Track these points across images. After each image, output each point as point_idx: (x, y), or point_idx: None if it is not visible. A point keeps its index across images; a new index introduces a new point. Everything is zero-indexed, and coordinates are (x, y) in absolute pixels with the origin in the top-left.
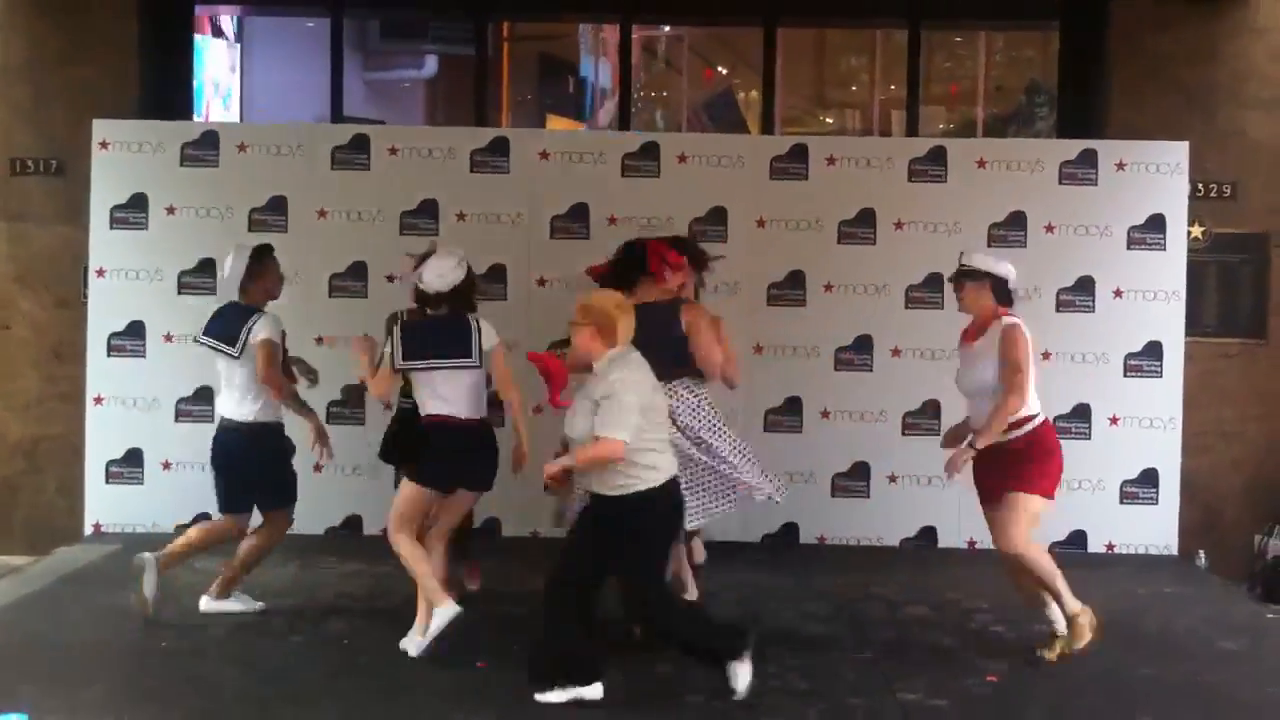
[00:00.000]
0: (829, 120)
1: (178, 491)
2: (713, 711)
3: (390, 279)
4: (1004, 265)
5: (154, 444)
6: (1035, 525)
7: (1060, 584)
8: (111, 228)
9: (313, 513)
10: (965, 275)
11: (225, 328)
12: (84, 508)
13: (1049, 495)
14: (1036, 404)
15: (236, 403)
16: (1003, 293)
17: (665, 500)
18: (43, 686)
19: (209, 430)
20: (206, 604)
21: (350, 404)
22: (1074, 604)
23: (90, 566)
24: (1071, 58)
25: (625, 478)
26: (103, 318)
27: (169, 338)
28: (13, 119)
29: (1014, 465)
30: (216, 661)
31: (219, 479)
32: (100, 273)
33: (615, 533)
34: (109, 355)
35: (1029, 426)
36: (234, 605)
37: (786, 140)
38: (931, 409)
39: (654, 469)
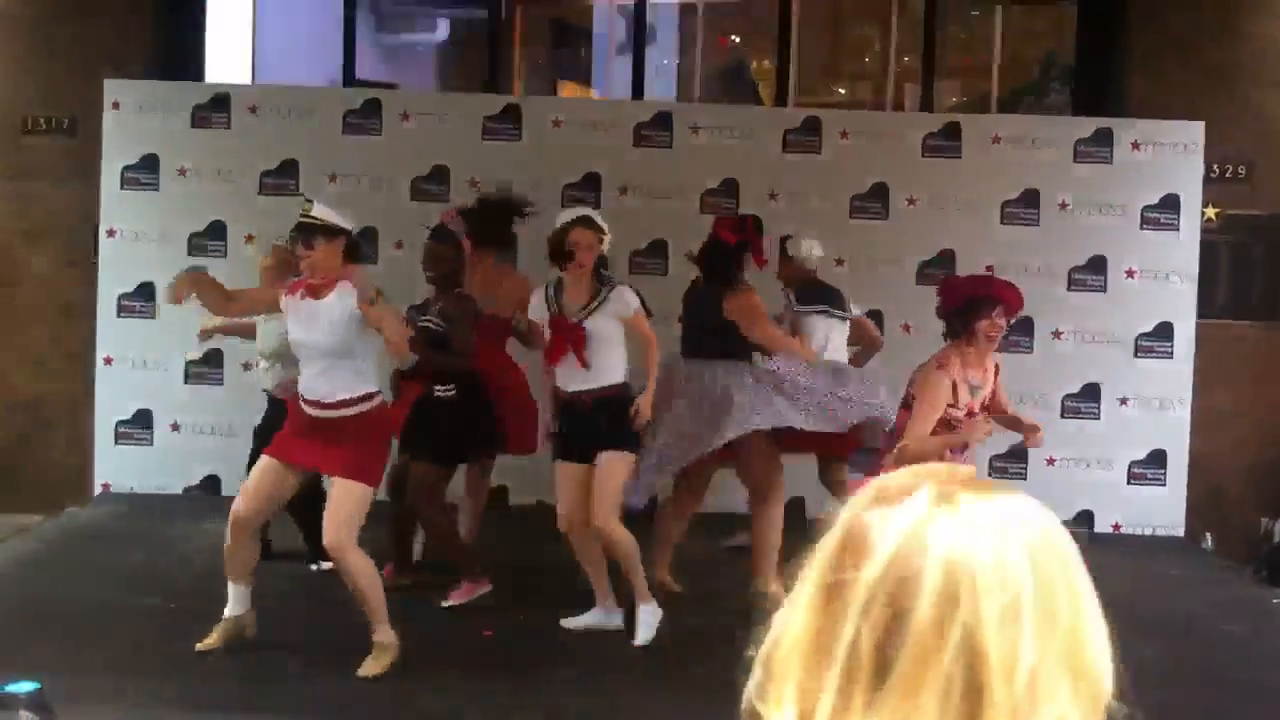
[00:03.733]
0: (841, 91)
1: (186, 453)
2: (720, 685)
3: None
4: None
5: (163, 405)
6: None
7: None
8: (122, 188)
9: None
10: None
11: None
12: (93, 467)
13: None
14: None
15: None
16: None
17: None
18: (52, 647)
19: (218, 392)
20: None
21: None
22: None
23: (98, 527)
24: (1089, 33)
25: None
26: (113, 278)
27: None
28: (24, 77)
29: None
30: None
31: None
32: (111, 233)
33: None
34: (119, 315)
35: None
36: None
37: (800, 113)
38: None
39: None
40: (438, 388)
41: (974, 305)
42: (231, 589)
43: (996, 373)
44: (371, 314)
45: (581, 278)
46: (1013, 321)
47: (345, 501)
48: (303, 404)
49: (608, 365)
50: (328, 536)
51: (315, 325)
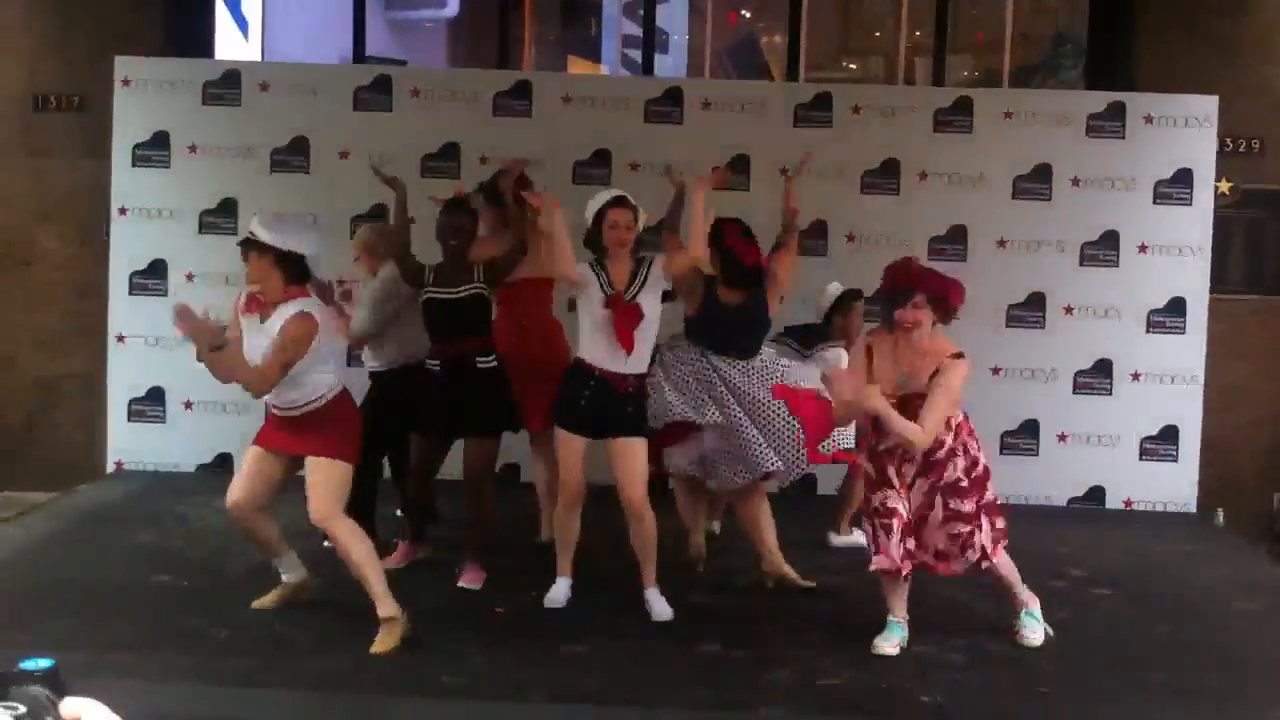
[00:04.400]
0: (853, 66)
1: (199, 431)
2: (727, 662)
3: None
4: None
5: (176, 383)
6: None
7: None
8: (134, 166)
9: None
10: None
11: None
12: (105, 445)
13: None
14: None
15: None
16: None
17: None
18: (66, 624)
19: None
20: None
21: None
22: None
23: (112, 504)
24: (1101, 7)
25: None
26: (125, 256)
27: (190, 277)
28: (36, 54)
29: None
30: (238, 601)
31: None
32: (122, 211)
33: None
34: (131, 293)
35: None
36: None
37: (811, 88)
38: None
39: None
40: (480, 360)
41: (893, 292)
42: (276, 563)
43: (936, 374)
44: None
45: (623, 257)
46: (950, 317)
47: (327, 480)
48: (271, 407)
49: (645, 351)
50: (314, 513)
51: (260, 346)
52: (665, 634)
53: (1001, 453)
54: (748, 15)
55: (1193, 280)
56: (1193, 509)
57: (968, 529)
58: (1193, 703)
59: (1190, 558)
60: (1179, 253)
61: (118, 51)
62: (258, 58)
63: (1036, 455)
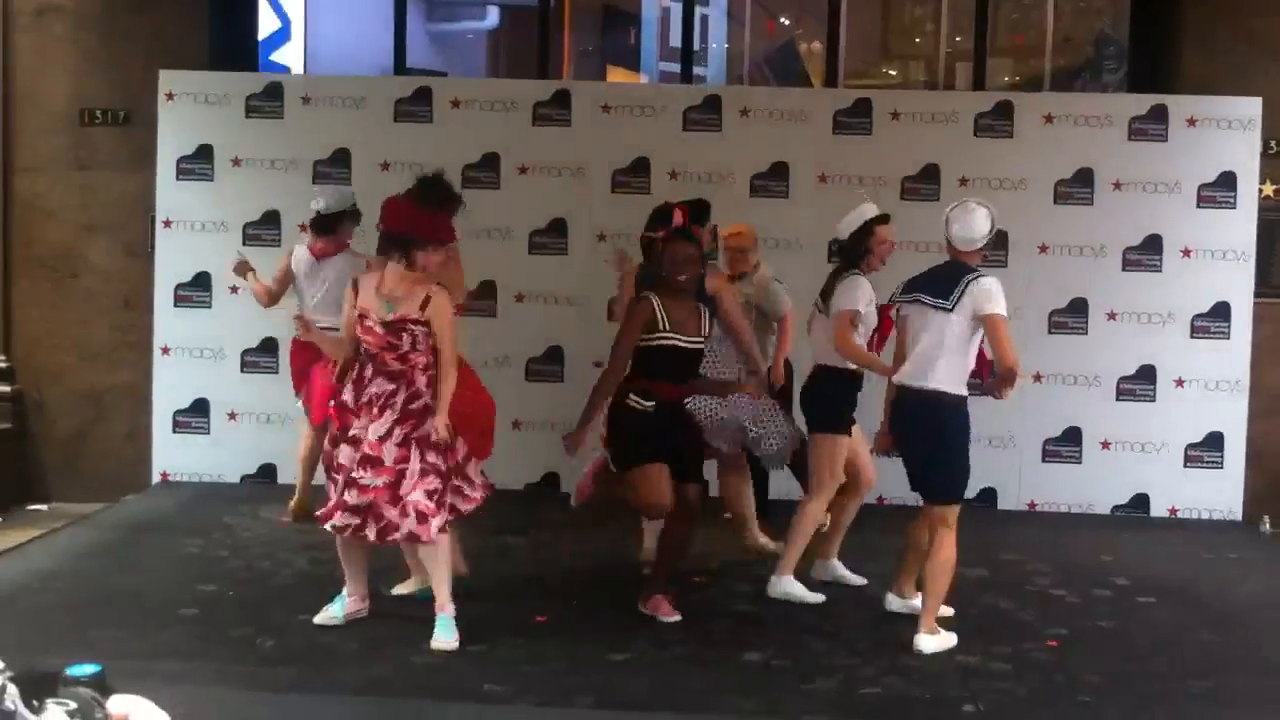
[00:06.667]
0: (892, 72)
1: (243, 442)
2: (770, 670)
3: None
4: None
5: (220, 395)
6: None
7: None
8: (178, 178)
9: None
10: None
11: None
12: (151, 457)
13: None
14: None
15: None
16: None
17: None
18: (114, 634)
19: (274, 382)
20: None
21: None
22: None
23: (158, 515)
24: (1143, 9)
25: None
26: (169, 268)
27: (235, 289)
28: (83, 69)
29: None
30: (284, 610)
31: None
32: (167, 223)
33: None
34: (176, 306)
35: None
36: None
37: (850, 94)
38: None
39: None
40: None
41: None
42: None
43: (426, 304)
44: None
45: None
46: (407, 248)
47: None
48: None
49: None
50: None
51: None
52: (708, 642)
53: (1044, 460)
54: (786, 22)
55: (1237, 284)
56: (1238, 516)
57: (442, 485)
58: (1238, 711)
59: (1236, 565)
60: (1223, 257)
61: (163, 66)
62: (300, 70)
63: (1080, 463)
